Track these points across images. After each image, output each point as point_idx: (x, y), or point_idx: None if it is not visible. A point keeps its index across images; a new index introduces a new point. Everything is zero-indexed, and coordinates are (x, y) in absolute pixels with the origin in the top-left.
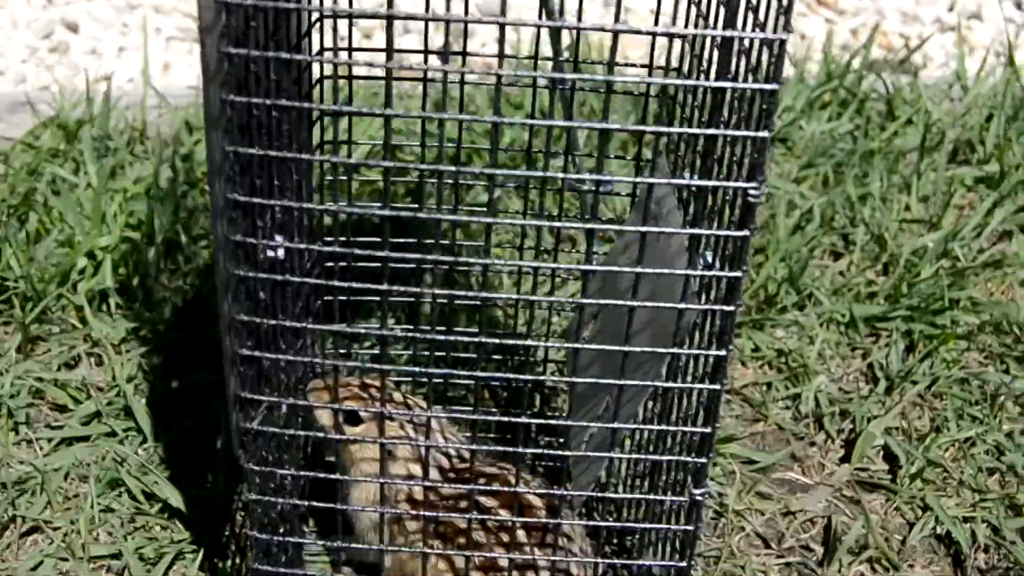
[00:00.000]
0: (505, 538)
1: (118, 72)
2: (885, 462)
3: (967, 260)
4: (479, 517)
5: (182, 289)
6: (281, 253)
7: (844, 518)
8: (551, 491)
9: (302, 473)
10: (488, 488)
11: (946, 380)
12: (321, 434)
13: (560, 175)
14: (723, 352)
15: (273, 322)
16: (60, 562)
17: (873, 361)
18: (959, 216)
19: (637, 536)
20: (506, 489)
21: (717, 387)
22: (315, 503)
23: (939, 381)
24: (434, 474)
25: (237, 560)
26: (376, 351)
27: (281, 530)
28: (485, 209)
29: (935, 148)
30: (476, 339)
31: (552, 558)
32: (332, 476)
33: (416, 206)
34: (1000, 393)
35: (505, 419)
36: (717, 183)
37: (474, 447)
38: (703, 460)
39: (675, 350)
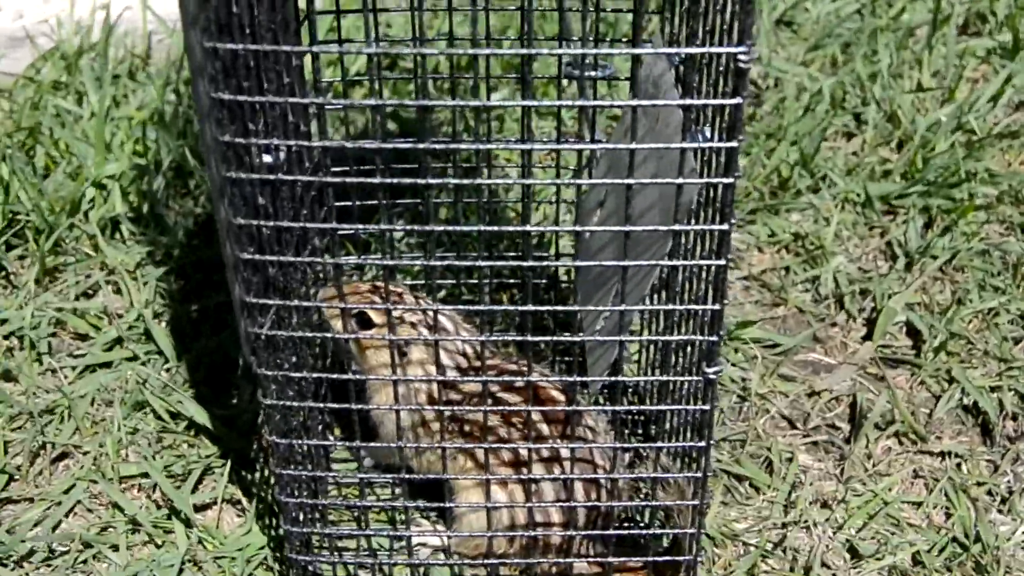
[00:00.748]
0: (529, 433)
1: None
2: (908, 337)
3: (982, 132)
4: (496, 409)
5: (192, 213)
6: (280, 156)
7: (869, 395)
8: (567, 379)
9: (316, 375)
10: (503, 380)
11: (966, 253)
12: (332, 335)
13: (557, 51)
14: (725, 226)
15: (270, 224)
16: (91, 484)
17: (891, 239)
18: (972, 89)
19: (656, 423)
20: (522, 380)
21: (722, 262)
22: (333, 404)
23: (959, 254)
24: (453, 374)
25: (265, 472)
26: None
27: (303, 438)
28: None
29: (945, 22)
30: (479, 228)
31: (574, 445)
32: (346, 376)
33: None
34: (1021, 262)
35: (516, 308)
36: (706, 49)
37: (489, 337)
38: (714, 338)
39: (677, 227)
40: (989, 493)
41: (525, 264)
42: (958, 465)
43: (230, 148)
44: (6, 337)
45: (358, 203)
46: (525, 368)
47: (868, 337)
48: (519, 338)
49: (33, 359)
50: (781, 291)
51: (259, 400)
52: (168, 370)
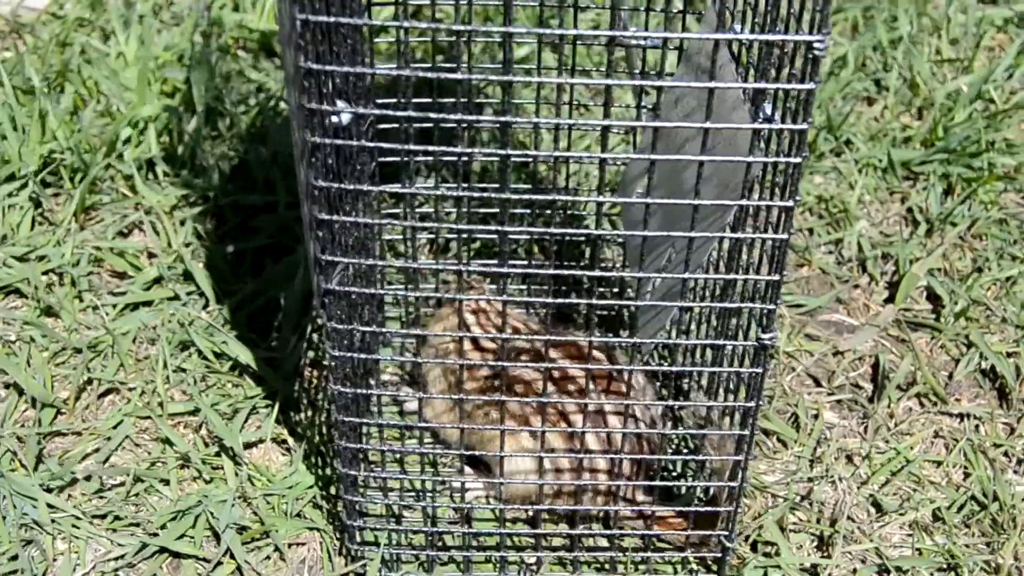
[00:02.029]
0: (571, 388)
1: None
2: (929, 302)
3: (1001, 103)
4: (545, 367)
5: (226, 155)
6: (345, 119)
7: (891, 356)
8: (626, 340)
9: (376, 330)
10: (543, 339)
11: (985, 221)
12: (388, 291)
13: (607, 32)
14: (790, 203)
15: (351, 187)
16: (139, 420)
17: (912, 205)
18: (990, 57)
19: (699, 382)
20: (583, 339)
21: (784, 236)
22: (399, 358)
23: (978, 222)
24: (488, 343)
25: (309, 413)
26: (428, 209)
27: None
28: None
29: None
30: (555, 198)
31: (627, 401)
32: (403, 332)
33: (452, 66)
34: None
35: (585, 273)
36: (784, 37)
37: (528, 299)
38: (772, 307)
39: (743, 201)
40: (1006, 454)
41: (581, 232)
42: (976, 427)
43: (314, 114)
44: (45, 273)
45: (404, 159)
46: (577, 340)
47: (890, 300)
48: (574, 301)
49: (74, 296)
50: (805, 252)
51: (327, 350)
52: (209, 311)
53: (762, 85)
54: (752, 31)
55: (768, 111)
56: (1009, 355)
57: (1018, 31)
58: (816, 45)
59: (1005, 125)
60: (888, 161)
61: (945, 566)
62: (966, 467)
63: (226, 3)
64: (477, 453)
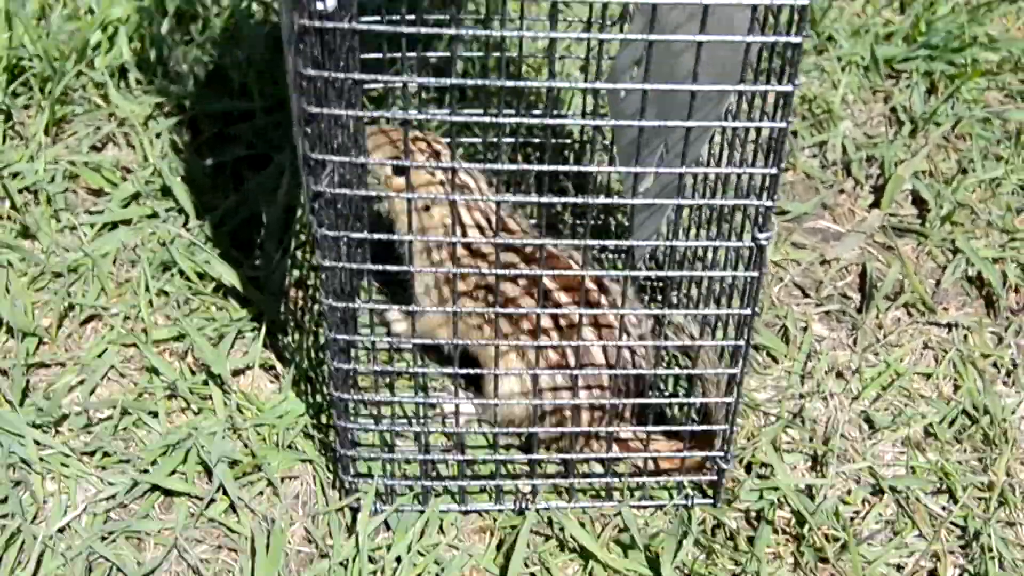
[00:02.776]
0: (551, 305)
1: None
2: (914, 206)
3: None
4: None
5: (201, 60)
6: (331, 4)
7: (878, 264)
8: (622, 243)
9: (368, 235)
10: (524, 243)
11: (969, 120)
12: (378, 193)
13: None
14: (790, 87)
15: (342, 75)
16: (124, 348)
17: (896, 104)
18: None
19: (687, 292)
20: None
21: (783, 125)
22: (391, 267)
23: (962, 121)
24: (474, 233)
25: (297, 336)
26: (410, 111)
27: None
28: None
29: None
30: (547, 84)
31: (622, 311)
32: (392, 236)
33: None
34: (1022, 131)
35: (573, 168)
36: None
37: (518, 198)
38: (770, 203)
39: (742, 87)
40: (995, 365)
41: (571, 122)
42: (965, 337)
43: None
44: (19, 192)
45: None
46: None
47: (875, 204)
48: (569, 200)
49: (50, 215)
50: (789, 155)
51: (317, 260)
52: (189, 228)
53: None
54: None
55: None
56: (995, 260)
57: None
58: None
59: (988, 19)
60: (871, 58)
61: (939, 485)
62: (956, 379)
63: None
64: (469, 371)
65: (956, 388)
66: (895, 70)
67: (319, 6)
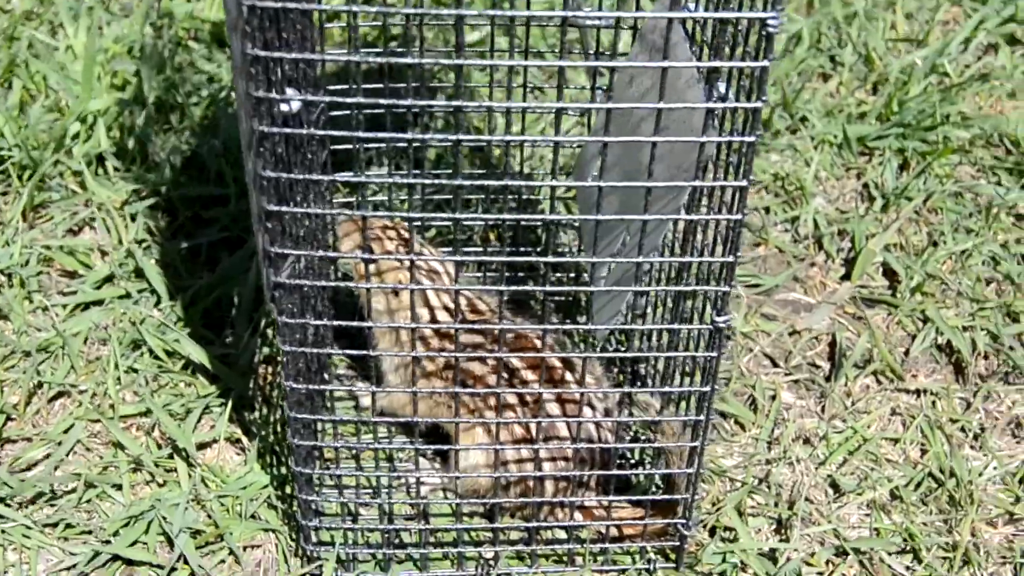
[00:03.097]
0: (517, 383)
1: None
2: (885, 278)
3: (956, 75)
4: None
5: (178, 148)
6: (295, 106)
7: (848, 334)
8: (583, 326)
9: (328, 323)
10: (482, 327)
11: (940, 195)
12: (339, 284)
13: (561, 13)
14: (744, 183)
15: (301, 177)
16: (91, 424)
17: (868, 180)
18: (945, 31)
19: (654, 366)
20: (541, 333)
21: (738, 217)
22: (352, 351)
23: (934, 196)
24: (443, 316)
25: (264, 411)
26: (382, 198)
27: (314, 379)
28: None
29: None
30: (497, 182)
31: (583, 389)
32: (354, 324)
33: (402, 50)
34: (994, 205)
35: (525, 259)
36: (737, 15)
37: (483, 287)
38: (727, 288)
39: (697, 182)
40: (962, 430)
41: (537, 218)
42: (933, 403)
43: (262, 103)
44: None
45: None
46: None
47: (846, 277)
48: (531, 288)
49: (23, 297)
50: (762, 231)
51: (264, 346)
52: (161, 308)
53: (715, 63)
54: (706, 8)
55: (722, 90)
56: (965, 329)
57: (972, 3)
58: (770, 22)
59: (960, 98)
60: (843, 137)
61: (904, 546)
62: (923, 444)
63: None
64: (435, 447)
65: (923, 452)
66: (868, 148)
67: (283, 108)
